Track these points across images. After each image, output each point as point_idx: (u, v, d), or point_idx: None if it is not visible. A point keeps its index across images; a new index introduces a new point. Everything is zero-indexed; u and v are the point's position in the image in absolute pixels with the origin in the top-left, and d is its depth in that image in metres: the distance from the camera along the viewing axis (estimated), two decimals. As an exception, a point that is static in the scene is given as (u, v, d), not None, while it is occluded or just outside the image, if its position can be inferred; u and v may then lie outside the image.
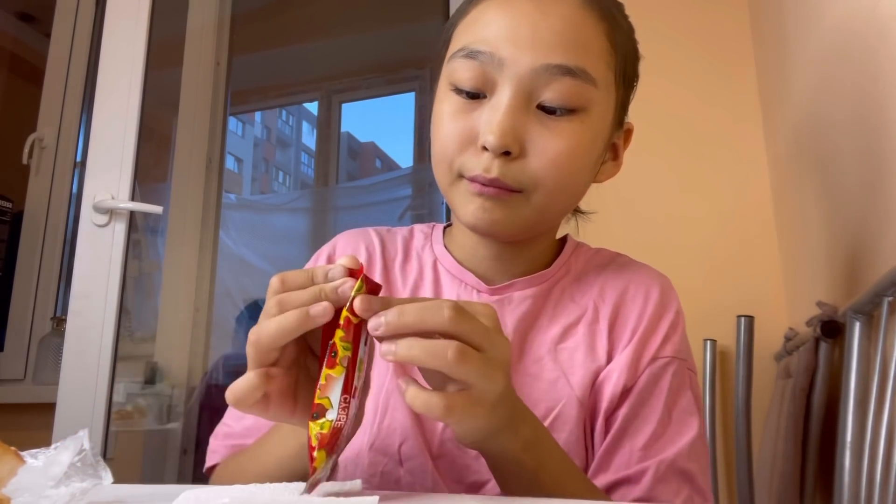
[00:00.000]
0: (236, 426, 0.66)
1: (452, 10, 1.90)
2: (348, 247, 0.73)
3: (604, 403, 0.61)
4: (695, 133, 1.58)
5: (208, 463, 0.67)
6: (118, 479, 0.44)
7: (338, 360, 0.42)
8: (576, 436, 0.60)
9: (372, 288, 0.44)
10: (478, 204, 0.60)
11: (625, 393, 0.61)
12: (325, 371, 0.42)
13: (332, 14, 2.92)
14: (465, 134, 0.60)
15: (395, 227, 0.77)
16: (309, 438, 0.42)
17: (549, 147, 0.58)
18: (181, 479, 1.95)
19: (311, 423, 0.42)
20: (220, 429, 0.68)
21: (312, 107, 3.48)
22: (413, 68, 3.07)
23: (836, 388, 1.01)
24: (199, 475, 0.66)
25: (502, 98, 0.58)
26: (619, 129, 0.68)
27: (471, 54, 0.59)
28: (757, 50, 1.58)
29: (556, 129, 0.59)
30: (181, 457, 1.99)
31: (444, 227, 0.75)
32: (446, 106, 0.61)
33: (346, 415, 0.42)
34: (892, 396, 0.78)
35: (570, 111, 0.59)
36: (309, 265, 0.72)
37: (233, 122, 3.84)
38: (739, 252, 1.50)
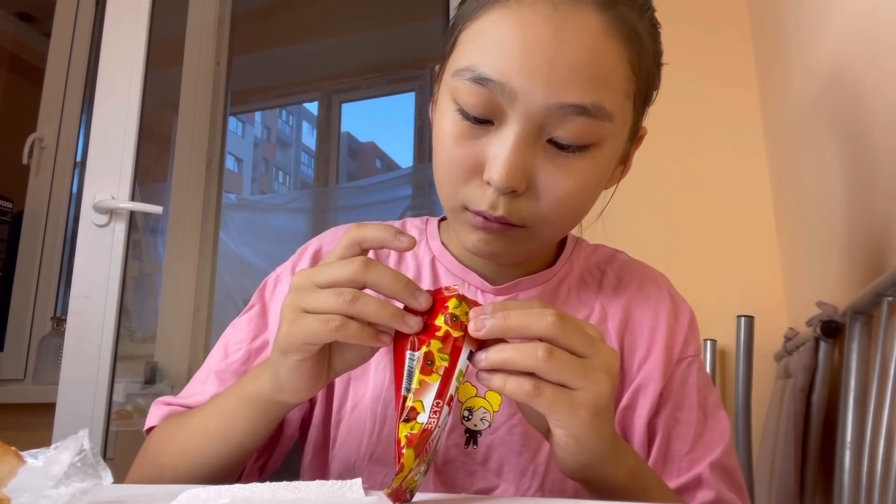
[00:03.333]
0: (178, 399, 0.65)
1: (452, 11, 1.90)
2: (335, 244, 0.70)
3: (643, 414, 0.61)
4: (694, 133, 1.58)
5: (147, 425, 0.65)
6: (118, 479, 0.44)
7: (434, 369, 0.44)
8: None
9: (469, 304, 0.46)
10: (480, 236, 0.58)
11: (661, 399, 0.62)
12: (419, 377, 0.44)
13: (332, 14, 2.91)
14: (469, 163, 0.56)
15: (386, 223, 0.74)
16: (398, 441, 0.43)
17: (557, 186, 0.56)
18: (181, 479, 1.94)
19: (401, 425, 0.43)
20: (162, 398, 0.67)
21: (312, 107, 3.49)
22: (413, 68, 3.07)
23: (836, 388, 1.01)
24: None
25: (510, 133, 0.54)
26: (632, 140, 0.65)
27: (479, 80, 0.54)
28: (757, 49, 1.58)
29: (565, 167, 0.56)
30: (181, 457, 1.98)
31: (439, 221, 0.72)
32: (449, 126, 0.57)
33: (437, 419, 0.43)
34: (891, 396, 0.78)
35: (581, 147, 0.56)
36: (292, 261, 0.72)
37: (233, 122, 3.85)
38: (739, 252, 1.50)
